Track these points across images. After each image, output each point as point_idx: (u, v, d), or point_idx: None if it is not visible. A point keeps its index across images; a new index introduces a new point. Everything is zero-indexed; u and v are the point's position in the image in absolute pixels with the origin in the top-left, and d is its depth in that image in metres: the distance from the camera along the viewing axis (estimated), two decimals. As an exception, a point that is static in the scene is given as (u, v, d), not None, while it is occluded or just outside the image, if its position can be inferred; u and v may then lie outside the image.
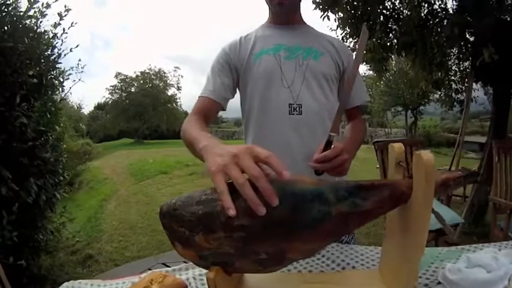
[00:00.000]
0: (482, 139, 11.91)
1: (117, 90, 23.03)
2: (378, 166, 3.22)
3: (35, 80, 1.90)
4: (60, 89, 2.43)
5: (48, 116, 2.15)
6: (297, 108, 1.01)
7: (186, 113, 28.75)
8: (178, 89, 24.22)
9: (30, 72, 1.84)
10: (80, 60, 2.87)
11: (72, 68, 2.76)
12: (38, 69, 1.99)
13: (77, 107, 22.24)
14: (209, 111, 1.04)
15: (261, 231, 0.51)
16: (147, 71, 23.34)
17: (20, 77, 1.81)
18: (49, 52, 2.26)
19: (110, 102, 23.54)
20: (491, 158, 2.68)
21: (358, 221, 0.57)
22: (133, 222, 4.37)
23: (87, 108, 28.05)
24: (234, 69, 1.08)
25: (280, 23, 1.11)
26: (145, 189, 6.28)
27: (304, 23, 1.15)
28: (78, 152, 8.99)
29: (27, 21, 2.09)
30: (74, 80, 2.80)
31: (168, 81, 23.93)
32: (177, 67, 25.07)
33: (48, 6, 2.18)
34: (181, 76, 24.37)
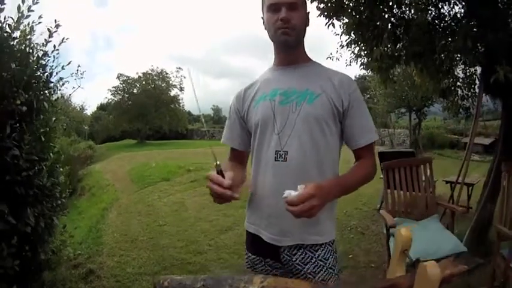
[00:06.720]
0: (486, 141, 11.84)
1: (120, 91, 22.93)
2: (381, 177, 3.07)
3: (24, 108, 1.80)
4: (53, 111, 2.35)
5: (43, 138, 2.06)
6: (283, 155, 1.02)
7: (189, 113, 28.62)
8: (181, 89, 24.10)
9: (18, 102, 1.75)
10: (79, 66, 2.70)
11: (71, 74, 2.62)
12: (27, 96, 1.87)
13: (80, 109, 22.31)
14: (238, 158, 1.21)
15: None
16: (149, 71, 23.24)
17: (9, 106, 1.72)
18: (40, 72, 2.12)
19: (112, 103, 23.49)
20: (498, 179, 2.60)
21: None
22: (134, 235, 4.33)
23: (90, 109, 28.12)
24: (242, 118, 1.17)
25: (284, 64, 1.12)
26: (147, 198, 6.24)
27: (309, 61, 1.13)
28: (79, 157, 9.01)
29: (15, 43, 1.93)
30: (74, 87, 2.70)
31: (171, 81, 23.77)
32: (179, 67, 24.80)
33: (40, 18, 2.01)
34: (184, 77, 24.22)
